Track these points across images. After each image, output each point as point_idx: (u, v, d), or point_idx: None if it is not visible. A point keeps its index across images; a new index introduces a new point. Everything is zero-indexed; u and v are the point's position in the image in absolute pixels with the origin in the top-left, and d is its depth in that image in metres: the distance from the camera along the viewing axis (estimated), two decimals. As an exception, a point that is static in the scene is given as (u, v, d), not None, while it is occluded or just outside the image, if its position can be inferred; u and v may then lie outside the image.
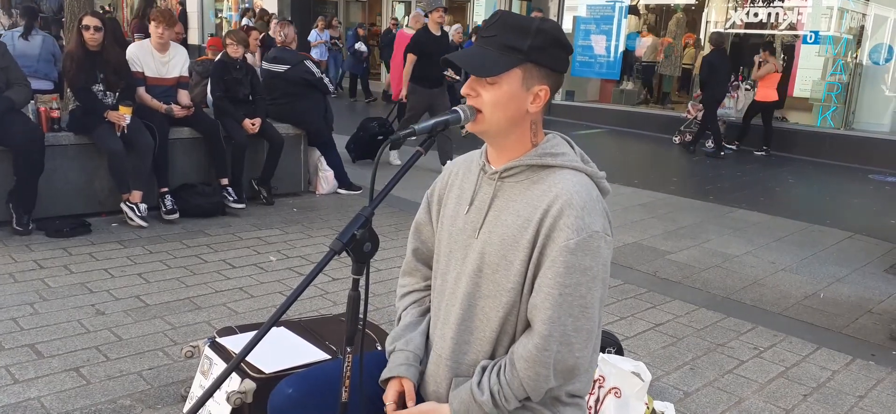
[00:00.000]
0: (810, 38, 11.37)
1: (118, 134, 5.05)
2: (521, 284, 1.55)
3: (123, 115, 5.05)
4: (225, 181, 5.76)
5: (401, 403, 1.68)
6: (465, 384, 1.59)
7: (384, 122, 8.24)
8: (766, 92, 10.27)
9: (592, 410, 2.66)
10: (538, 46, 1.53)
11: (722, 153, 10.15)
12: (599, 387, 2.68)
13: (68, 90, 5.20)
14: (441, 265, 1.73)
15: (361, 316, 1.50)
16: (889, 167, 9.37)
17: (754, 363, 3.53)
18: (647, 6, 14.37)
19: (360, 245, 1.41)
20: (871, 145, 10.10)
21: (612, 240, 1.57)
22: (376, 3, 19.34)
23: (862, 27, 10.93)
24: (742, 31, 12.42)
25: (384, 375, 1.71)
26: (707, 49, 10.86)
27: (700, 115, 10.48)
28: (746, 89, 11.38)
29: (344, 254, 1.41)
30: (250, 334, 2.59)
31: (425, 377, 1.70)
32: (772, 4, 11.67)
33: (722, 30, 12.06)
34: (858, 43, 10.89)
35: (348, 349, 1.47)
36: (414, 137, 1.57)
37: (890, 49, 10.57)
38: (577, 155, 1.63)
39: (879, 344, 3.85)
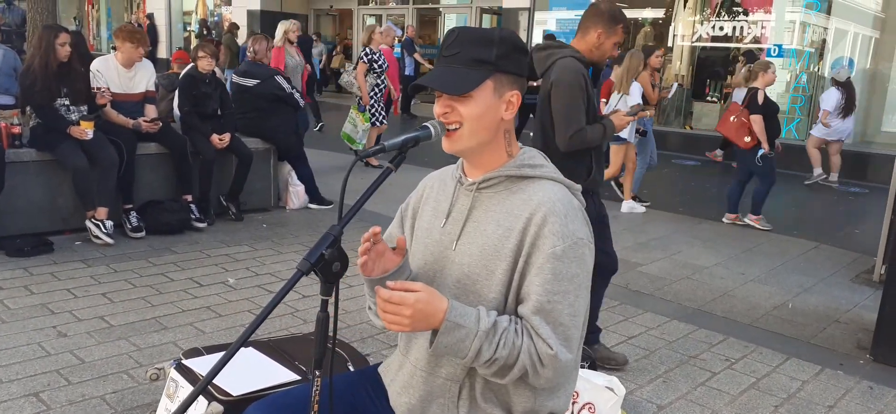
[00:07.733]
0: (774, 51, 11.59)
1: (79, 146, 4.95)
2: (504, 294, 1.54)
3: (85, 131, 4.94)
4: (189, 198, 5.66)
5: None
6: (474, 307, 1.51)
7: None
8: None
9: (567, 427, 2.65)
10: (503, 54, 1.55)
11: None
12: (573, 403, 2.66)
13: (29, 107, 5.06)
14: (416, 278, 1.70)
15: (331, 337, 1.46)
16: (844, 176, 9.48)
17: (726, 375, 3.55)
18: (615, 20, 14.56)
19: (328, 265, 1.37)
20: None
21: (593, 249, 1.58)
22: (347, 17, 19.31)
23: (823, 40, 11.18)
24: (708, 44, 12.62)
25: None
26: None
27: None
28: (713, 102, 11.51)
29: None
30: (217, 356, 2.53)
31: (397, 386, 1.68)
32: (736, 18, 11.88)
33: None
34: (820, 56, 11.13)
35: (317, 373, 1.43)
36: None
37: (851, 62, 10.81)
38: (553, 168, 1.64)
39: (847, 353, 3.90)
